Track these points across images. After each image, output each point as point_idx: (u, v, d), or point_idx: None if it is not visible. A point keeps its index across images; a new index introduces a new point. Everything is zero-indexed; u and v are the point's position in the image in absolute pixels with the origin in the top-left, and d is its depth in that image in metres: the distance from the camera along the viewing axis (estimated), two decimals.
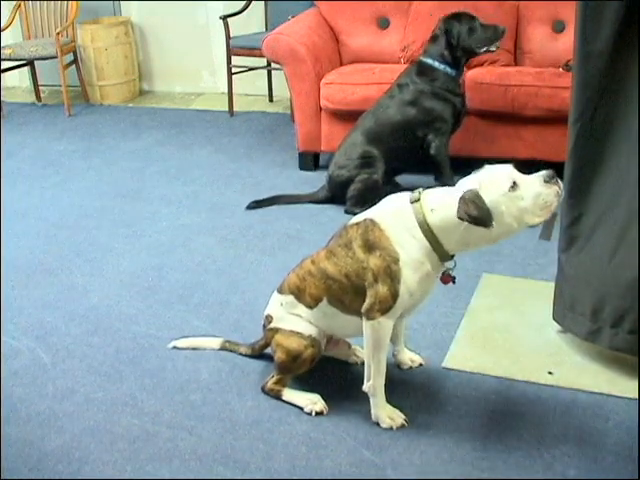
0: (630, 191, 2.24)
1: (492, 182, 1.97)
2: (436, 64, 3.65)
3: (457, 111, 3.70)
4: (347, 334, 2.36)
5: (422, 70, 3.69)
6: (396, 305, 2.07)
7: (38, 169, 4.59)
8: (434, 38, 3.69)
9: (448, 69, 3.65)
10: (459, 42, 3.62)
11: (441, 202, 2.03)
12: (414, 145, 3.69)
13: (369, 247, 2.07)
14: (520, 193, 1.96)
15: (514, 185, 1.95)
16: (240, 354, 2.54)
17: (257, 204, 3.81)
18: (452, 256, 2.09)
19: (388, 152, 3.67)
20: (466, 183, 2.01)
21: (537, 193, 1.96)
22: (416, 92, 3.67)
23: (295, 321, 2.27)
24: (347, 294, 2.16)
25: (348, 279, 2.13)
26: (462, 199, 1.96)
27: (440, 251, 2.04)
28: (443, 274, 2.11)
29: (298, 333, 2.25)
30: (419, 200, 2.05)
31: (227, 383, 2.43)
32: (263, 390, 2.35)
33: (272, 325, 2.33)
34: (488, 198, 1.94)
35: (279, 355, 2.28)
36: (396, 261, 2.03)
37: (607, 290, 2.33)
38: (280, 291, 2.34)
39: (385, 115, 3.71)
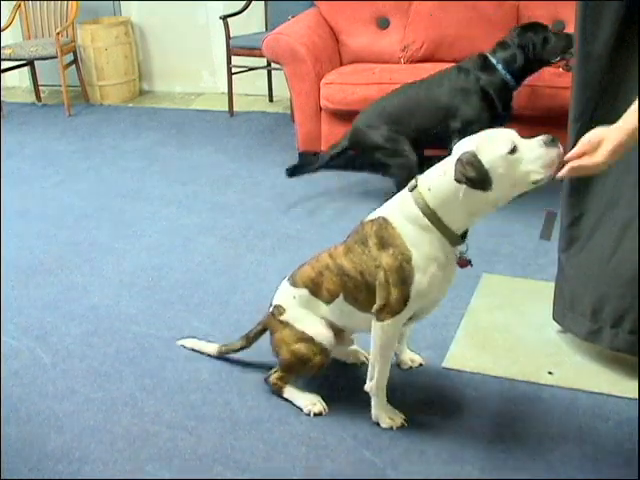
0: (630, 191, 2.25)
1: (491, 144, 1.93)
2: (499, 67, 3.61)
3: (497, 120, 3.60)
4: (361, 329, 2.31)
5: (485, 66, 3.63)
6: (406, 308, 2.06)
7: (38, 169, 4.59)
8: (504, 45, 3.62)
9: (508, 77, 3.61)
10: (535, 54, 3.57)
11: (436, 176, 2.00)
12: (442, 132, 3.62)
13: (383, 245, 2.05)
14: (520, 156, 1.91)
15: (514, 148, 1.91)
16: (237, 351, 2.48)
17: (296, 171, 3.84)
18: (463, 238, 2.05)
19: (415, 130, 3.61)
20: (463, 146, 1.97)
21: (537, 156, 1.92)
22: (473, 83, 3.61)
23: (309, 322, 2.24)
24: (361, 292, 2.14)
25: (362, 277, 2.11)
26: (459, 161, 1.92)
27: (448, 233, 2.00)
28: (459, 259, 2.07)
29: (310, 338, 2.23)
30: (416, 186, 2.02)
31: (227, 383, 2.43)
32: (266, 381, 2.34)
33: (283, 318, 2.28)
34: (485, 159, 1.90)
35: (286, 356, 2.27)
36: (408, 260, 2.01)
37: (607, 290, 2.33)
38: (293, 284, 2.30)
39: (433, 93, 3.65)
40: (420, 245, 2.01)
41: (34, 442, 2.19)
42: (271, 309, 2.35)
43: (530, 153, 1.92)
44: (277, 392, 2.32)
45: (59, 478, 2.06)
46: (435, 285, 2.05)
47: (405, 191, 2.06)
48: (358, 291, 2.15)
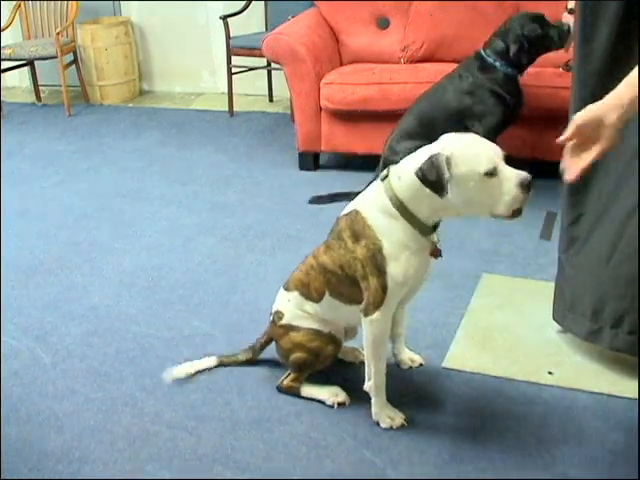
0: (628, 190, 2.24)
1: (472, 156, 1.88)
2: (497, 63, 3.61)
3: (509, 111, 3.64)
4: (353, 323, 2.31)
5: (483, 66, 3.65)
6: (388, 297, 2.05)
7: (38, 169, 4.59)
8: (499, 36, 3.62)
9: (509, 69, 3.61)
10: (532, 45, 3.56)
11: (407, 166, 1.98)
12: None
13: (356, 237, 2.06)
14: (494, 182, 1.88)
15: (493, 172, 1.88)
16: (240, 364, 2.48)
17: (319, 199, 3.82)
18: (434, 228, 2.04)
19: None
20: (446, 141, 1.94)
21: (508, 191, 1.89)
22: (475, 85, 3.64)
23: (309, 319, 2.26)
24: (344, 285, 2.15)
25: (342, 270, 2.13)
26: (429, 159, 1.89)
27: (417, 224, 1.99)
28: (432, 249, 2.05)
29: (317, 331, 2.25)
30: (387, 176, 2.01)
31: (227, 383, 2.43)
32: (279, 389, 2.34)
33: (283, 322, 2.30)
34: (459, 169, 1.88)
35: (299, 355, 2.27)
36: (380, 249, 2.01)
37: (607, 290, 2.33)
38: (286, 288, 2.33)
39: (442, 100, 3.68)
40: (390, 234, 2.01)
41: (34, 442, 2.19)
42: (272, 317, 2.37)
43: (505, 185, 1.89)
44: (294, 394, 2.32)
45: (59, 478, 2.06)
46: (411, 273, 2.04)
47: (377, 180, 2.06)
48: (341, 285, 2.16)
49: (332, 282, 2.18)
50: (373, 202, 2.05)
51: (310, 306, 2.26)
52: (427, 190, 1.92)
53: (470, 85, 3.65)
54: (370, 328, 2.11)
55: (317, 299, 2.24)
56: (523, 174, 1.90)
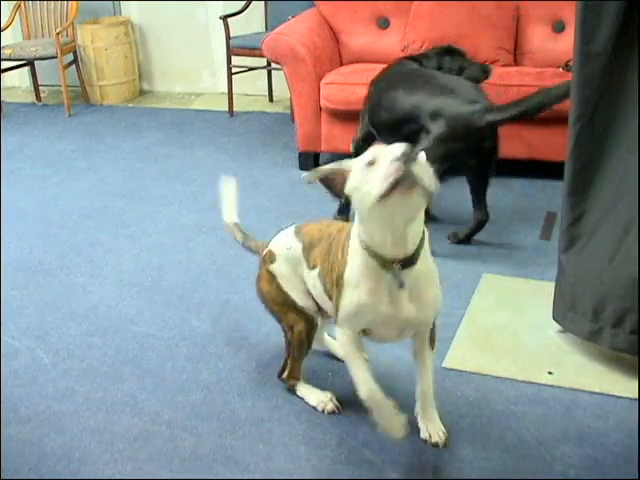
0: (631, 191, 2.25)
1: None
2: None
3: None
4: (328, 311, 2.20)
5: None
6: (339, 319, 1.98)
7: (38, 169, 4.59)
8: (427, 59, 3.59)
9: None
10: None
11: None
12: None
13: (337, 254, 2.00)
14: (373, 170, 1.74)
15: (372, 161, 1.74)
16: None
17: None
18: (393, 263, 1.83)
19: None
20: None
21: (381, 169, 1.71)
22: None
23: (293, 286, 2.21)
24: (329, 279, 2.05)
25: (332, 269, 2.04)
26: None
27: (375, 255, 1.83)
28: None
29: (293, 302, 2.20)
30: None
31: (227, 383, 2.43)
32: (279, 378, 2.35)
33: (271, 267, 2.25)
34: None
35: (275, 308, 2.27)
36: (341, 275, 1.95)
37: (608, 290, 2.33)
38: (296, 233, 2.24)
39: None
40: (353, 263, 1.91)
41: (34, 442, 2.19)
42: (264, 252, 2.32)
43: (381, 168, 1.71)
44: (290, 389, 2.33)
45: (59, 478, 2.06)
46: (365, 307, 1.91)
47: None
48: (327, 275, 2.05)
49: (325, 266, 2.07)
50: (354, 230, 1.92)
51: (301, 267, 2.18)
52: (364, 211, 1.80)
53: None
54: (338, 335, 2.05)
55: (311, 266, 2.15)
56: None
